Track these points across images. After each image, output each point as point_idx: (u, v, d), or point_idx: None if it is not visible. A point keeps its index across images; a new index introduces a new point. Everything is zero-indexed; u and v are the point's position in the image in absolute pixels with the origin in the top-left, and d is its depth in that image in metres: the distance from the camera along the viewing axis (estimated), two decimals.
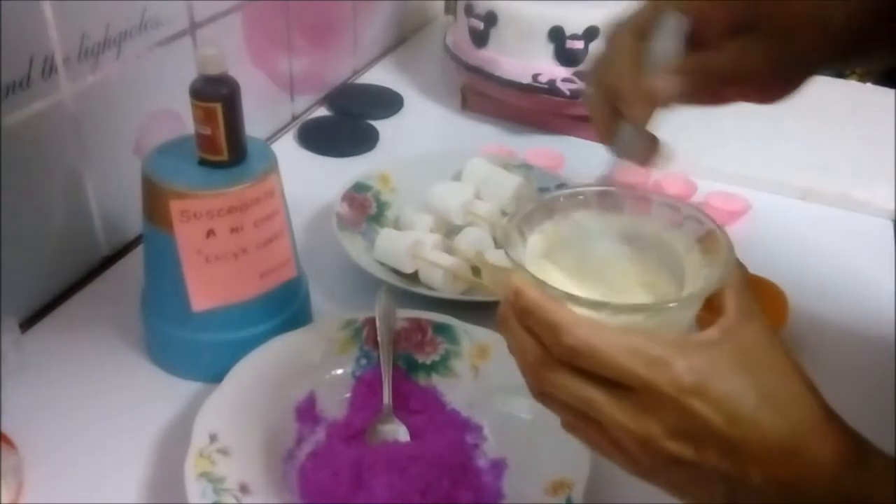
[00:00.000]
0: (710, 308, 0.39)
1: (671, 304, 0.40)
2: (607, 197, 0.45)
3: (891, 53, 0.52)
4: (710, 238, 0.41)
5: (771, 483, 0.37)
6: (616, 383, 0.37)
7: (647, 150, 0.50)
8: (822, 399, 0.39)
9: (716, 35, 0.49)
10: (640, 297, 0.42)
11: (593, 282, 0.42)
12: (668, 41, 0.49)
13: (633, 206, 0.45)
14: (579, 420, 0.40)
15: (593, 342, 0.36)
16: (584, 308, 0.38)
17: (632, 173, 0.97)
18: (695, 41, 0.49)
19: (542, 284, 0.39)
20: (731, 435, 0.36)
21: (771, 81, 0.51)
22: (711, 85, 0.49)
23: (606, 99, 0.50)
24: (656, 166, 0.51)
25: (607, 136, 0.51)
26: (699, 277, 0.40)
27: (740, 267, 0.41)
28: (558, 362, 0.38)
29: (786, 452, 0.36)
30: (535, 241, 0.44)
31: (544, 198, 0.45)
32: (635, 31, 0.50)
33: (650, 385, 0.36)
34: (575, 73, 0.98)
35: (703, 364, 0.37)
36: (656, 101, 0.47)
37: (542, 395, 0.40)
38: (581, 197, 0.45)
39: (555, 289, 0.39)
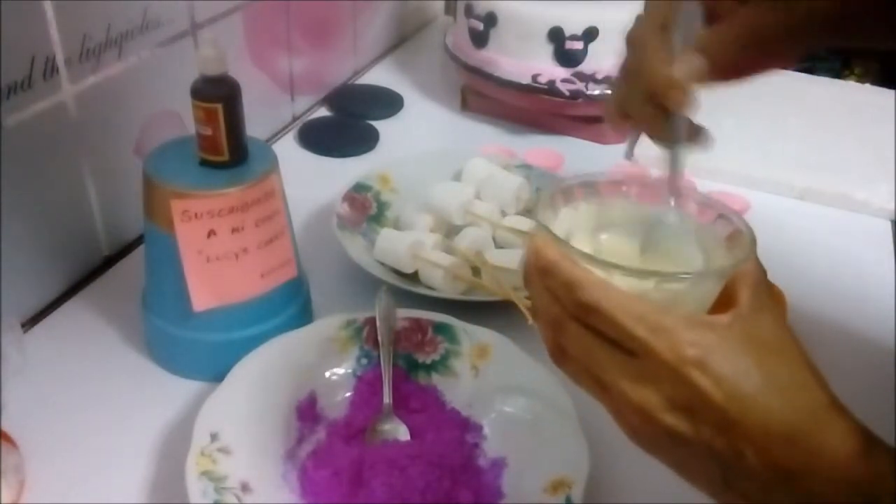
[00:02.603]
0: (724, 302, 0.39)
1: (682, 276, 0.40)
2: (645, 187, 0.46)
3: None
4: (737, 236, 0.42)
5: (769, 468, 0.36)
6: (623, 346, 0.38)
7: (693, 136, 0.51)
8: (829, 390, 0.38)
9: (727, 7, 0.49)
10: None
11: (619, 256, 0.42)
12: (689, 27, 0.49)
13: (667, 197, 0.46)
14: (588, 378, 0.40)
15: (603, 302, 0.37)
16: (598, 268, 0.39)
17: (632, 168, 0.97)
18: (710, 17, 0.49)
19: (560, 242, 0.39)
20: (729, 411, 0.36)
21: (784, 45, 0.50)
22: (730, 55, 0.49)
23: (647, 98, 0.50)
24: (705, 150, 0.51)
25: (658, 134, 0.51)
26: (717, 259, 0.41)
27: (758, 264, 0.41)
28: (573, 318, 0.39)
29: (787, 438, 0.36)
30: (566, 214, 0.44)
31: (585, 176, 0.45)
32: (656, 27, 0.50)
33: (652, 351, 0.37)
34: (574, 74, 0.98)
35: (709, 340, 0.37)
36: (687, 85, 0.47)
37: (558, 351, 0.41)
38: (623, 186, 0.46)
39: (572, 247, 0.39)
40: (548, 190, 0.44)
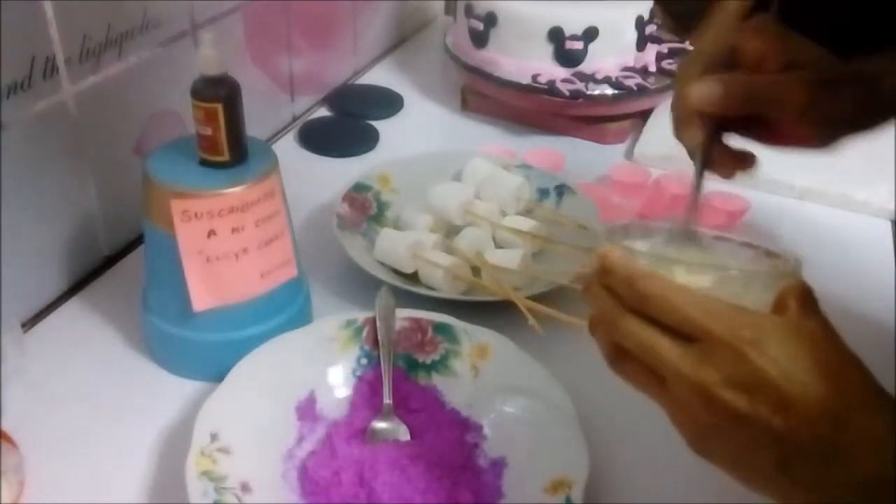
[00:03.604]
0: (775, 312, 0.41)
1: (735, 270, 0.43)
2: (690, 233, 0.48)
3: None
4: (783, 263, 0.45)
5: (822, 445, 0.38)
6: (681, 334, 0.40)
7: (737, 163, 0.53)
8: (874, 379, 0.40)
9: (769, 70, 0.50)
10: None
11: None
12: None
13: (711, 241, 0.48)
14: (645, 374, 0.41)
15: (663, 291, 0.40)
16: (659, 267, 0.42)
17: (632, 172, 0.97)
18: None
19: (625, 249, 0.42)
20: (785, 390, 0.38)
21: (808, 122, 0.51)
22: (750, 107, 0.50)
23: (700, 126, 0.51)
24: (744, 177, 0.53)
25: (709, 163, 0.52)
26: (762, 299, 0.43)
27: (806, 284, 0.43)
28: (630, 310, 0.41)
29: (838, 417, 0.38)
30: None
31: (637, 222, 0.49)
32: (702, 67, 0.52)
33: (711, 333, 0.39)
34: (574, 74, 0.98)
35: (764, 325, 0.39)
36: (696, 107, 0.50)
37: (614, 353, 0.43)
38: (668, 227, 0.49)
39: (633, 248, 0.42)
40: (608, 231, 0.47)
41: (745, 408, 0.38)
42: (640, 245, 0.47)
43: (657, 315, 0.40)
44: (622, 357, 0.43)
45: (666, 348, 0.40)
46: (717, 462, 0.41)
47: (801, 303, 0.41)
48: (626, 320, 0.41)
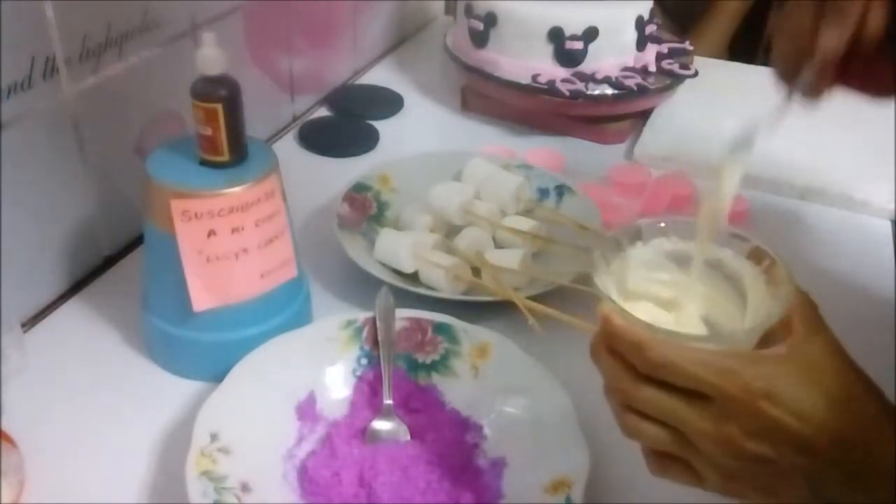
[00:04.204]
0: (781, 327, 0.43)
1: (737, 336, 0.45)
2: (684, 226, 0.50)
3: None
4: (773, 268, 0.47)
5: (847, 474, 0.40)
6: (696, 394, 0.41)
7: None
8: (883, 399, 0.42)
9: None
10: (702, 324, 0.47)
11: (668, 303, 0.48)
12: None
13: (704, 234, 0.49)
14: (666, 434, 0.43)
15: (673, 356, 0.41)
16: (661, 335, 0.43)
17: (633, 172, 0.97)
18: None
19: (626, 314, 0.44)
20: (804, 434, 0.40)
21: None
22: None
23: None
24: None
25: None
26: (762, 306, 0.46)
27: (804, 295, 0.45)
28: (643, 378, 0.42)
29: (856, 445, 0.40)
30: (618, 265, 0.48)
31: (627, 226, 0.50)
32: None
33: (724, 392, 0.40)
34: (574, 74, 0.98)
35: (771, 372, 0.40)
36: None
37: (632, 419, 0.44)
38: (661, 225, 0.50)
39: (637, 318, 0.43)
40: (596, 249, 0.48)
41: (770, 453, 0.40)
42: (638, 254, 0.49)
43: (670, 379, 0.41)
44: (641, 422, 0.43)
45: (685, 411, 0.41)
46: (748, 496, 0.43)
47: (807, 322, 0.43)
48: (641, 390, 0.42)
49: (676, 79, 1.03)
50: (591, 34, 0.97)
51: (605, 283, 0.46)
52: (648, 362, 0.41)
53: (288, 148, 0.99)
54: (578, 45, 0.97)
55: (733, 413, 0.40)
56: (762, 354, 0.42)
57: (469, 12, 1.03)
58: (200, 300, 0.60)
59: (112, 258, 0.78)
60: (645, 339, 0.42)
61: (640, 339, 0.42)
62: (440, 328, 0.65)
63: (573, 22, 0.97)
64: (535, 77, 0.98)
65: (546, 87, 0.97)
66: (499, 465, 0.57)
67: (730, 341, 0.44)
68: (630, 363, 0.42)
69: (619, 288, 0.48)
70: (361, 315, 0.65)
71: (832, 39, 0.52)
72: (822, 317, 0.44)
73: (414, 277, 0.74)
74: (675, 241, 0.50)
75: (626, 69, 1.01)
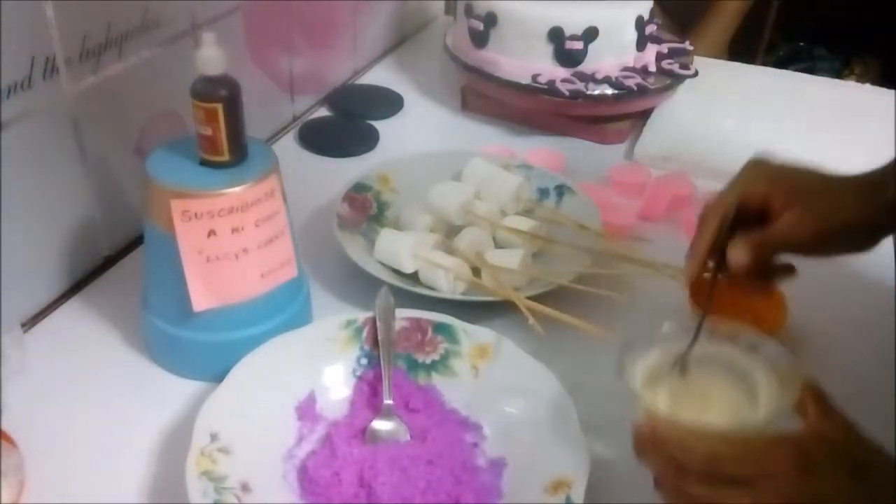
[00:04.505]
0: (798, 405, 0.49)
1: (758, 426, 0.51)
2: (701, 328, 0.56)
3: None
4: (784, 366, 0.52)
5: None
6: (740, 478, 0.46)
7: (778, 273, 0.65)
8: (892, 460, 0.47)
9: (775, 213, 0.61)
10: (725, 414, 0.53)
11: (690, 399, 0.54)
12: None
13: (722, 335, 0.56)
14: None
15: (719, 451, 0.47)
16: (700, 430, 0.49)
17: (633, 172, 0.97)
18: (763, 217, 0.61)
19: (665, 415, 0.51)
20: (840, 490, 0.46)
21: (817, 251, 0.63)
22: (777, 251, 0.62)
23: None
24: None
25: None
26: (773, 398, 0.52)
27: (810, 381, 0.50)
28: (696, 473, 0.48)
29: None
30: (641, 368, 0.54)
31: (649, 333, 0.56)
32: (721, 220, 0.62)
33: (766, 471, 0.46)
34: (574, 74, 0.98)
35: (802, 448, 0.46)
36: (735, 267, 0.60)
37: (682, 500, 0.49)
38: (677, 327, 0.56)
39: (676, 418, 0.50)
40: (621, 350, 0.54)
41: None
42: (651, 361, 0.55)
43: (718, 471, 0.47)
44: None
45: (736, 496, 0.46)
46: None
47: (819, 405, 0.49)
48: (695, 486, 0.47)
49: (676, 79, 1.03)
50: (591, 34, 0.97)
51: (632, 381, 0.52)
52: (698, 459, 0.47)
53: (288, 148, 0.99)
54: (578, 45, 0.97)
55: (778, 489, 0.45)
56: (787, 435, 0.47)
57: (469, 12, 1.03)
58: (200, 300, 0.60)
59: (112, 258, 0.78)
60: (689, 442, 0.47)
61: (685, 443, 0.48)
62: (440, 328, 0.65)
63: (573, 22, 0.97)
64: (535, 77, 0.98)
65: (546, 87, 0.97)
66: (499, 465, 0.57)
67: (752, 431, 0.50)
68: (680, 460, 0.48)
69: (648, 381, 0.54)
70: (361, 315, 0.65)
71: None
72: (832, 397, 0.49)
73: (414, 277, 0.74)
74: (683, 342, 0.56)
75: (626, 69, 1.01)
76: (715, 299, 0.59)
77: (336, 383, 0.62)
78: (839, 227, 0.61)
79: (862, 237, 0.63)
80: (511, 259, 0.73)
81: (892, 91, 1.12)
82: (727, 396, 0.54)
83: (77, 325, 0.70)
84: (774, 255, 0.63)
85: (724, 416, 0.53)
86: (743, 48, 1.51)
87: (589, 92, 0.97)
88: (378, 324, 0.64)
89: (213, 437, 0.54)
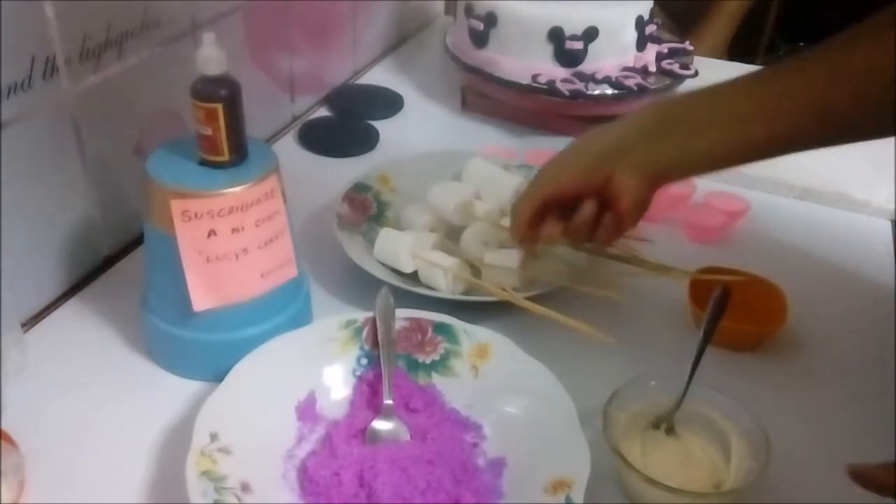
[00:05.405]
0: None
1: (726, 494, 0.54)
2: (679, 388, 0.59)
3: None
4: (755, 433, 0.56)
5: None
6: None
7: None
8: None
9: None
10: (705, 470, 0.57)
11: (671, 454, 0.57)
12: None
13: (699, 397, 0.59)
14: None
15: None
16: (661, 490, 0.53)
17: None
18: None
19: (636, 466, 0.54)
20: None
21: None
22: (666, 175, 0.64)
23: None
24: None
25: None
26: (742, 466, 0.55)
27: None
28: None
29: None
30: (623, 419, 0.58)
31: (632, 384, 0.59)
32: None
33: None
34: (574, 74, 0.98)
35: None
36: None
37: None
38: (655, 384, 0.60)
39: (641, 473, 0.54)
40: (608, 404, 0.57)
41: None
42: (636, 411, 0.58)
43: None
44: None
45: None
46: None
47: None
48: None
49: (676, 79, 1.03)
50: (591, 34, 0.97)
51: (613, 434, 0.56)
52: None
53: (288, 148, 0.99)
54: (578, 45, 0.97)
55: None
56: None
57: (469, 12, 1.04)
58: (200, 300, 0.60)
59: (112, 258, 0.78)
60: None
61: None
62: (440, 328, 0.65)
63: (573, 22, 0.97)
64: (535, 77, 0.98)
65: (546, 87, 0.97)
66: (499, 465, 0.57)
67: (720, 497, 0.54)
68: None
69: (630, 432, 0.57)
70: (361, 315, 0.65)
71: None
72: None
73: (414, 277, 0.74)
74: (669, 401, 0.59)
75: (626, 69, 1.01)
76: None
77: (336, 383, 0.62)
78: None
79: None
80: (511, 259, 0.73)
81: None
82: (707, 454, 0.57)
83: (77, 325, 0.70)
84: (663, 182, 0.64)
85: (703, 474, 0.56)
86: (743, 48, 1.51)
87: (589, 92, 0.97)
88: (378, 324, 0.64)
89: (213, 437, 0.54)
